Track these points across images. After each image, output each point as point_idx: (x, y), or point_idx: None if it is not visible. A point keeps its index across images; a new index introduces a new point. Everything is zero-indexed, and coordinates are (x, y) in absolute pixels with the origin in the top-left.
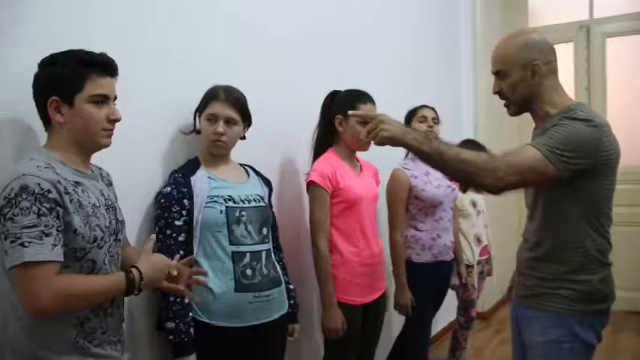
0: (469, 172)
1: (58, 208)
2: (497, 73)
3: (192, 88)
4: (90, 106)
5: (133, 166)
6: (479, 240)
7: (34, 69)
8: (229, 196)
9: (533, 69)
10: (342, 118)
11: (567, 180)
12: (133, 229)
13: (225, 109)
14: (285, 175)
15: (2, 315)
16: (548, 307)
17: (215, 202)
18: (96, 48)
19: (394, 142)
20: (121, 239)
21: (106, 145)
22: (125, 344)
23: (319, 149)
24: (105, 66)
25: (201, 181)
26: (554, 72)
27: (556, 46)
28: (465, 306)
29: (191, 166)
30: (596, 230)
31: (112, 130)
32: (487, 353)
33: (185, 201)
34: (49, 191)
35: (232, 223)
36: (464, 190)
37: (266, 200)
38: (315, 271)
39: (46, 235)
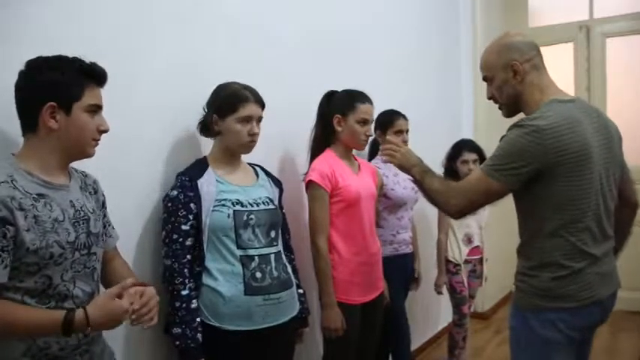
0: (435, 199)
1: (7, 226)
2: (486, 79)
3: (193, 89)
4: (85, 115)
5: (134, 167)
6: (470, 240)
7: None
8: (237, 199)
9: (513, 69)
10: (340, 117)
11: (523, 186)
12: (135, 232)
13: (257, 109)
14: (285, 175)
15: None
16: (514, 299)
17: (223, 205)
18: (97, 49)
19: (401, 169)
20: (98, 252)
21: (91, 155)
22: (96, 353)
23: (317, 149)
24: (100, 77)
25: (208, 184)
26: (536, 67)
27: (556, 46)
28: (457, 304)
29: (198, 167)
30: (555, 233)
31: (99, 140)
32: (487, 353)
33: (192, 205)
34: None
35: (240, 227)
36: None
37: (275, 202)
38: (315, 270)
39: None
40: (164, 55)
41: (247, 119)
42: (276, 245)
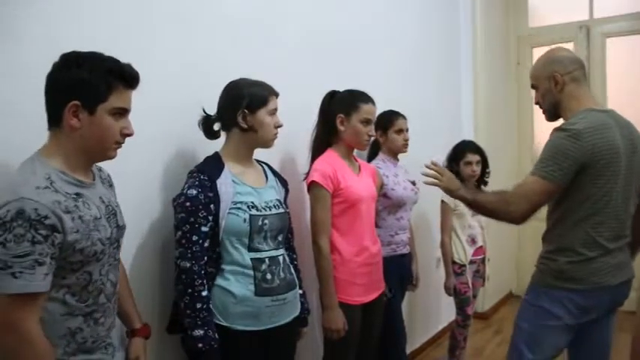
0: (491, 211)
1: (55, 234)
2: (534, 87)
3: (193, 89)
4: (110, 118)
5: (134, 167)
6: (473, 240)
7: (36, 67)
8: (252, 202)
9: (554, 79)
10: (343, 117)
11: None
12: (135, 232)
13: (277, 102)
14: (285, 175)
15: None
16: (533, 279)
17: (239, 208)
18: (97, 49)
19: (448, 192)
20: (121, 243)
21: (112, 158)
22: (116, 346)
23: (318, 149)
24: (132, 79)
25: (226, 184)
26: (576, 80)
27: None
28: (461, 305)
29: (215, 166)
30: (577, 224)
31: (122, 143)
32: (487, 353)
33: (212, 206)
34: (46, 217)
35: (254, 232)
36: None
37: (284, 204)
38: (317, 271)
39: (39, 264)
40: (164, 55)
41: (274, 112)
42: (282, 248)
